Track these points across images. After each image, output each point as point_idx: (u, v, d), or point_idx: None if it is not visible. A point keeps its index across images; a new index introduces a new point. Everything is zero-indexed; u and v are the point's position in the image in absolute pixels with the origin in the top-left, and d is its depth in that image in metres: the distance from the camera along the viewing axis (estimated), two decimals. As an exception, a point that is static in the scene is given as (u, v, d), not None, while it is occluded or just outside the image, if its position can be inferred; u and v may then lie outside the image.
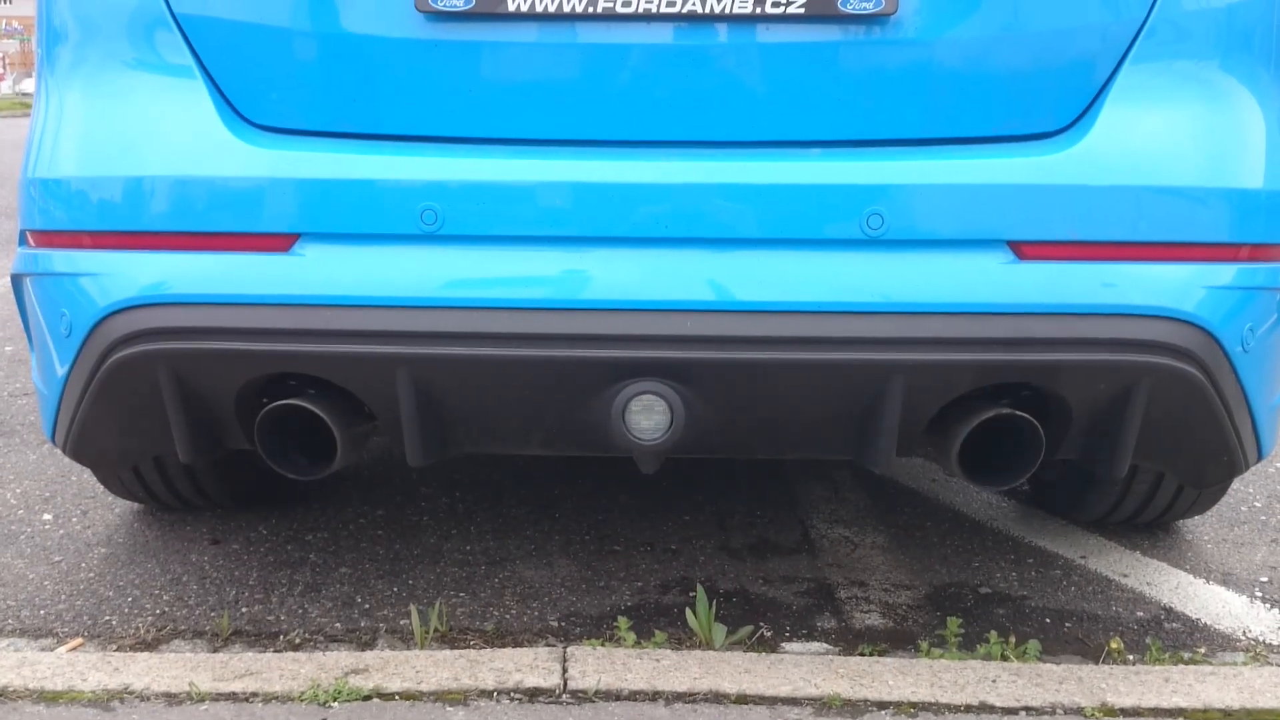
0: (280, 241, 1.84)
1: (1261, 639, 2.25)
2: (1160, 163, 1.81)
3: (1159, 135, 1.82)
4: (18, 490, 2.98)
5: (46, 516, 2.80)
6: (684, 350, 1.78)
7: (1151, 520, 2.69)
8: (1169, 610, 2.38)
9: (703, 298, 1.79)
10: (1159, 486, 2.49)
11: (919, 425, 1.96)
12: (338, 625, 2.26)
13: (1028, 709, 1.90)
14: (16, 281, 2.12)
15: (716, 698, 1.90)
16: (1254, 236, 1.86)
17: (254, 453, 2.02)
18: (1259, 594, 2.45)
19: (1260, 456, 2.08)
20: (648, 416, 1.82)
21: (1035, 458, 1.92)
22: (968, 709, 1.89)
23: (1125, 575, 2.54)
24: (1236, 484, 3.00)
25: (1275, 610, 2.37)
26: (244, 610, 2.32)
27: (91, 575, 2.48)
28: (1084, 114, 1.82)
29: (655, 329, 1.78)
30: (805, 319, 1.79)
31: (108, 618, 2.30)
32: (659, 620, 2.27)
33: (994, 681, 1.97)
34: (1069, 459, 2.11)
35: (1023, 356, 1.82)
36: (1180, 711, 1.90)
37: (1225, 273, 1.85)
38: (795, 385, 1.85)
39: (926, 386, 1.87)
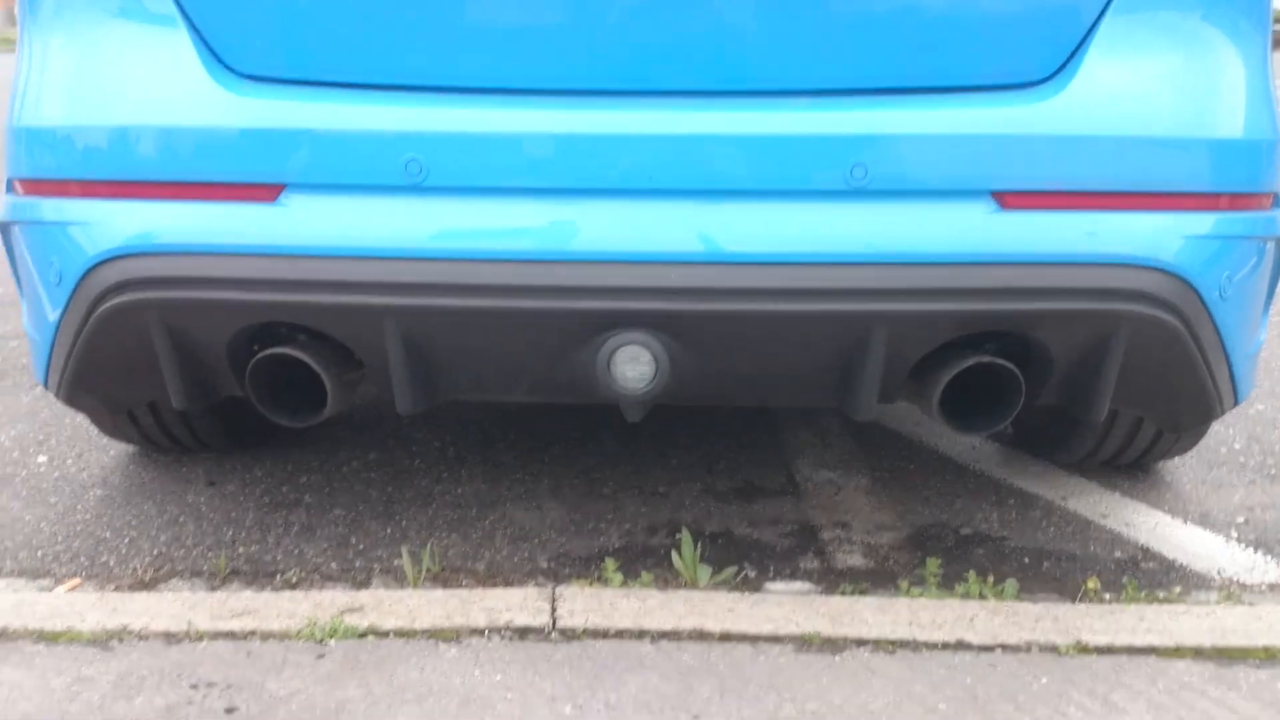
0: (265, 192, 1.85)
1: (1235, 578, 2.30)
2: (1142, 113, 1.82)
3: (1141, 86, 1.83)
4: (11, 433, 3.00)
5: (41, 459, 2.83)
6: (669, 302, 1.80)
7: (1132, 462, 2.73)
8: (1146, 550, 2.43)
9: (688, 249, 1.81)
10: (1139, 429, 2.52)
11: (901, 374, 1.99)
12: (333, 565, 2.31)
13: (1004, 647, 1.94)
14: (4, 229, 2.13)
15: (701, 636, 1.95)
16: (1233, 186, 1.88)
17: (247, 398, 2.05)
18: (1234, 534, 2.50)
19: (1236, 402, 2.12)
20: (633, 367, 1.84)
21: (1015, 404, 1.95)
22: (945, 647, 1.94)
23: (1105, 516, 2.58)
24: (1217, 425, 3.04)
25: (1250, 550, 2.42)
26: (240, 550, 2.37)
27: (88, 517, 2.52)
28: (1066, 64, 1.82)
29: (640, 281, 1.79)
30: (790, 270, 1.81)
31: (105, 558, 2.33)
32: (646, 561, 2.32)
33: (971, 620, 2.02)
34: (1049, 404, 2.14)
35: (1005, 306, 1.85)
36: (1153, 649, 1.95)
37: (1205, 222, 1.87)
38: (779, 336, 1.87)
39: (909, 336, 1.90)
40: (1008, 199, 1.83)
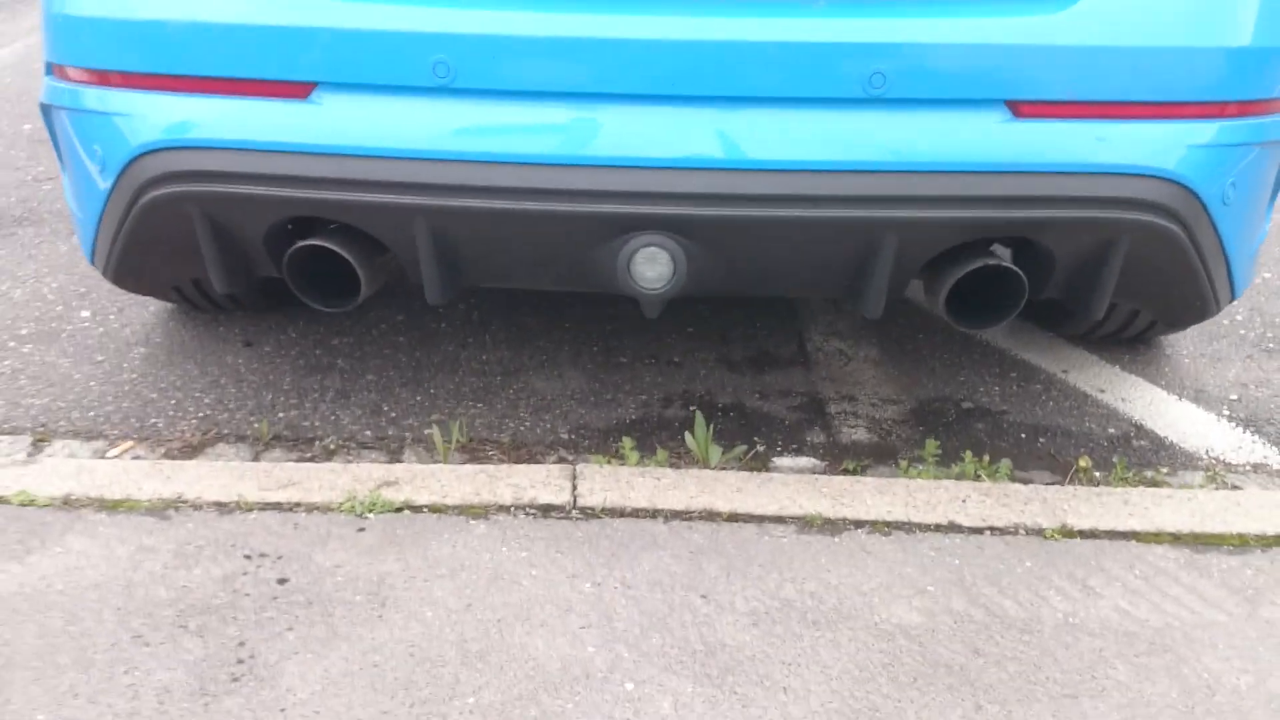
0: (298, 89, 1.90)
1: (1221, 458, 2.42)
2: (1153, 23, 1.83)
3: None
4: (54, 285, 3.11)
5: (84, 314, 2.95)
6: (688, 206, 1.86)
7: (1134, 336, 2.81)
8: (1139, 427, 2.54)
9: (707, 155, 1.86)
10: (1137, 314, 2.60)
11: (910, 273, 2.07)
12: (368, 433, 2.45)
13: (992, 529, 2.09)
14: (46, 110, 2.18)
15: (710, 516, 2.10)
16: (1242, 93, 1.91)
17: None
18: (1226, 412, 2.60)
19: (1233, 298, 2.19)
20: (652, 267, 1.93)
21: (1018, 303, 2.04)
22: (937, 528, 2.08)
23: (1102, 391, 2.69)
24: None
25: (1239, 429, 2.53)
26: (281, 415, 2.50)
27: (134, 376, 2.65)
28: (1084, -23, 1.83)
29: (660, 186, 1.85)
30: (809, 177, 1.86)
31: (154, 420, 2.48)
32: (661, 435, 2.45)
33: (964, 502, 2.16)
34: (1050, 297, 2.22)
35: (1014, 214, 1.90)
36: (1134, 534, 2.08)
37: (1211, 130, 1.91)
38: (795, 240, 1.94)
39: (921, 241, 1.97)
40: (1021, 108, 1.87)
